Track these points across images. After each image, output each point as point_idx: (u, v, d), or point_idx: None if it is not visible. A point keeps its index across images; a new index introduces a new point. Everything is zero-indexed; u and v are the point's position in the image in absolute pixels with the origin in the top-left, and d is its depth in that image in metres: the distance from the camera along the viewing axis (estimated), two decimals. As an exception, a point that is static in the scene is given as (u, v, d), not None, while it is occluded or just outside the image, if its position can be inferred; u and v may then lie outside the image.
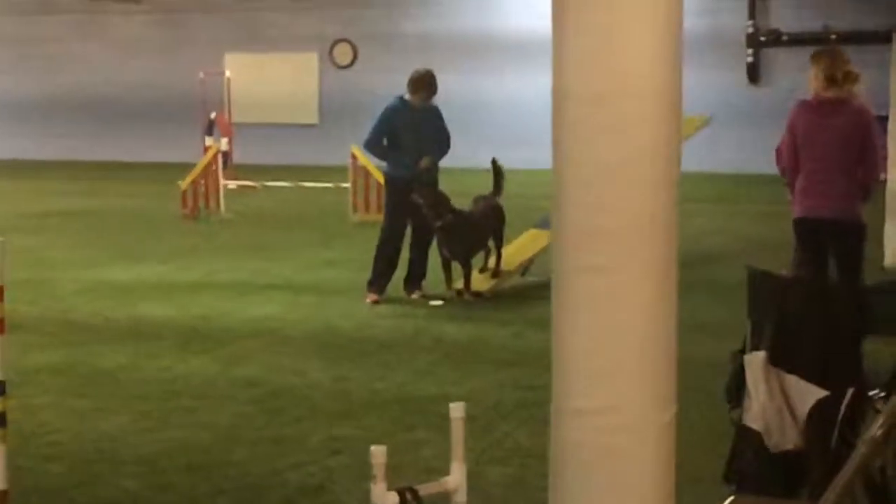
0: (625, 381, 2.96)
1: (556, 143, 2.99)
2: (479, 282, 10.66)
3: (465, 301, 10.27)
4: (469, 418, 6.73)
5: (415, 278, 10.56)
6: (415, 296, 10.45)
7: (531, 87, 23.85)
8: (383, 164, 10.97)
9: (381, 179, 16.31)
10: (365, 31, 26.86)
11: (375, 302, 10.24)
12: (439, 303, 10.28)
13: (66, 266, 12.45)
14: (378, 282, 10.38)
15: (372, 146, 10.50)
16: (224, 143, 21.04)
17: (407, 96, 10.33)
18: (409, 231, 10.48)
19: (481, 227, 10.54)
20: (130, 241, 14.53)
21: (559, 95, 2.98)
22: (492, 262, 10.85)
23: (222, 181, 17.74)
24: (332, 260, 12.78)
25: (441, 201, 10.17)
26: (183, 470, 5.94)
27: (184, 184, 17.25)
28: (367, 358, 8.36)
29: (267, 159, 25.25)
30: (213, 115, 22.42)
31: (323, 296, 10.68)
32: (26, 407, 7.01)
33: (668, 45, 2.90)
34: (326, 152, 24.90)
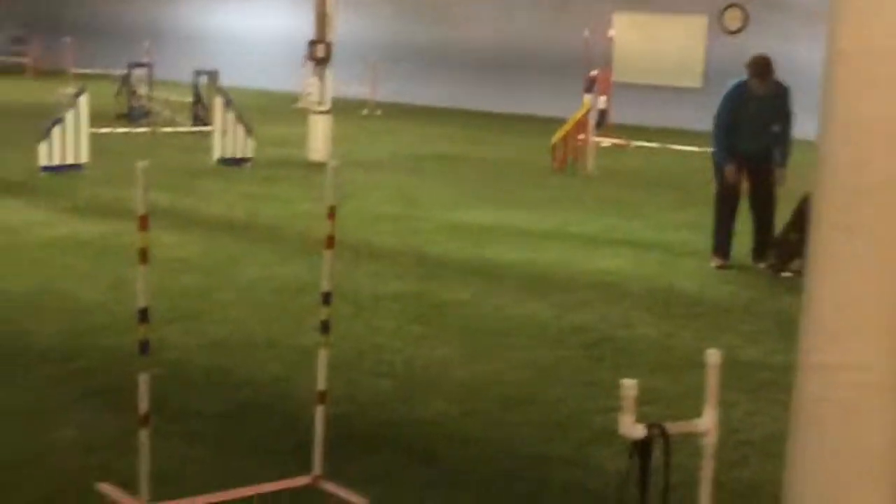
0: (876, 338, 2.92)
1: (825, 100, 2.97)
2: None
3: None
4: (789, 387, 6.69)
5: (759, 247, 10.42)
6: (762, 265, 10.30)
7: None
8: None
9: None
10: (757, -5, 26.24)
11: (720, 267, 10.20)
12: (789, 275, 10.08)
13: (431, 206, 13.11)
14: (720, 247, 10.36)
15: (717, 129, 10.38)
16: (602, 102, 21.27)
17: (746, 80, 10.21)
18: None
19: None
20: (496, 188, 15.07)
21: (834, 51, 2.95)
22: None
23: (594, 138, 17.99)
24: (687, 222, 12.73)
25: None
26: (496, 400, 6.24)
27: (555, 137, 17.65)
28: (699, 319, 8.37)
29: (645, 120, 25.27)
30: (594, 73, 22.69)
31: (670, 256, 10.72)
32: (369, 328, 7.56)
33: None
34: (707, 117, 24.65)
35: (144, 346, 4.48)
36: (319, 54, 17.11)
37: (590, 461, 5.40)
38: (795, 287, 9.58)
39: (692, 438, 3.72)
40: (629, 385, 3.28)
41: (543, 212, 13.21)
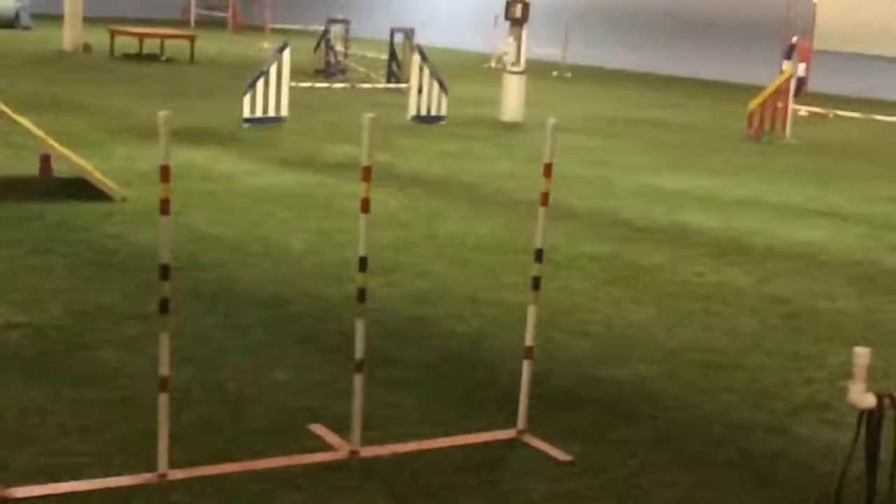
0: None
1: None
2: None
3: None
4: None
5: None
6: None
7: None
8: None
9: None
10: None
11: None
12: None
13: (625, 169, 13.04)
14: None
15: None
16: (801, 69, 20.74)
17: None
18: None
19: None
20: (690, 153, 14.90)
21: None
22: None
23: (793, 106, 17.57)
24: (890, 196, 12.37)
25: None
26: (698, 365, 6.21)
27: (752, 104, 17.30)
28: (905, 294, 8.14)
29: (847, 90, 24.53)
30: (794, 40, 22.11)
31: (873, 229, 10.43)
32: (566, 287, 7.60)
33: None
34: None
35: (362, 294, 4.62)
36: (516, 14, 17.12)
37: (794, 431, 5.34)
38: None
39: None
40: (862, 353, 3.24)
41: (739, 179, 13.00)
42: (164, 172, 4.30)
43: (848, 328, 7.19)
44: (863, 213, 11.20)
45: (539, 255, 4.93)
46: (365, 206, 4.60)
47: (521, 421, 5.04)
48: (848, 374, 6.12)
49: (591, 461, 4.81)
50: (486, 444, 4.94)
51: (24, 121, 9.54)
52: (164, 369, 4.38)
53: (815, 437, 5.28)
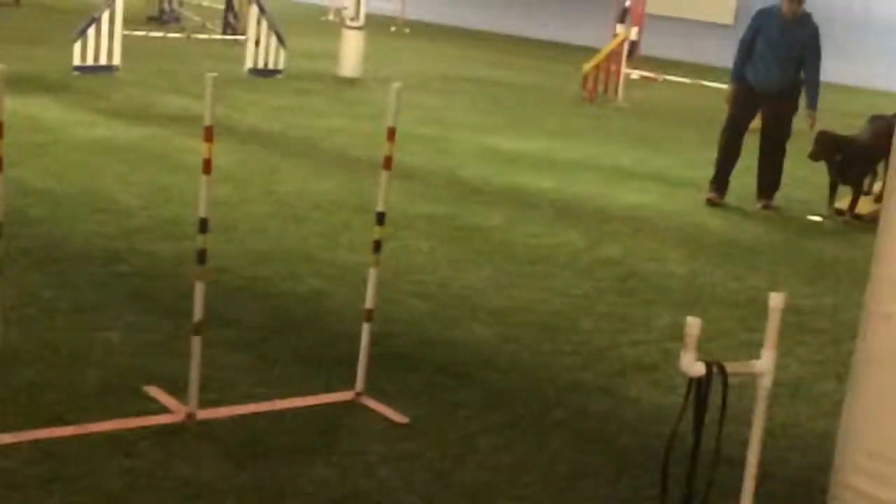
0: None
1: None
2: (862, 205, 10.39)
3: (845, 221, 10.08)
4: (815, 330, 6.78)
5: (762, 188, 10.43)
6: (758, 205, 10.33)
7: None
8: None
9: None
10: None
11: (710, 201, 10.25)
12: (818, 218, 10.15)
13: (461, 128, 13.15)
14: (715, 179, 10.40)
15: (739, 47, 10.35)
16: (634, 33, 21.14)
17: (778, 4, 10.14)
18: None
19: (873, 150, 10.20)
20: (525, 114, 15.09)
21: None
22: (877, 186, 10.53)
23: (625, 69, 17.94)
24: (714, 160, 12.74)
25: (831, 144, 10.09)
26: (531, 326, 6.34)
27: (587, 67, 17.59)
28: (729, 259, 8.44)
29: (675, 54, 25.13)
30: (627, 3, 22.51)
31: (699, 193, 10.75)
32: (404, 248, 7.65)
33: None
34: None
35: (202, 255, 4.57)
36: (355, -32, 17.00)
37: (623, 392, 5.51)
38: (829, 231, 9.70)
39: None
40: (693, 323, 3.36)
41: (574, 141, 13.24)
42: (208, 132, 4.21)
43: (675, 291, 7.43)
44: (691, 178, 11.52)
45: (381, 218, 4.94)
46: (206, 166, 4.54)
47: (360, 383, 5.08)
48: (675, 336, 6.36)
49: (427, 423, 4.87)
50: (325, 406, 4.96)
51: None
52: (-6, 331, 4.26)
53: (643, 398, 5.46)
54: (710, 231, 9.30)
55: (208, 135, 4.50)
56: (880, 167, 10.41)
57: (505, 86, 18.11)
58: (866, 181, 10.59)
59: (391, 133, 4.89)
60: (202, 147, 4.49)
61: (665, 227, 9.28)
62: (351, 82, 16.43)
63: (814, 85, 10.19)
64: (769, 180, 10.40)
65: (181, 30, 20.59)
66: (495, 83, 18.30)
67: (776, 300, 3.46)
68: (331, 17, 27.19)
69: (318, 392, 5.07)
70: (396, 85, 4.84)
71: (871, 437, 3.26)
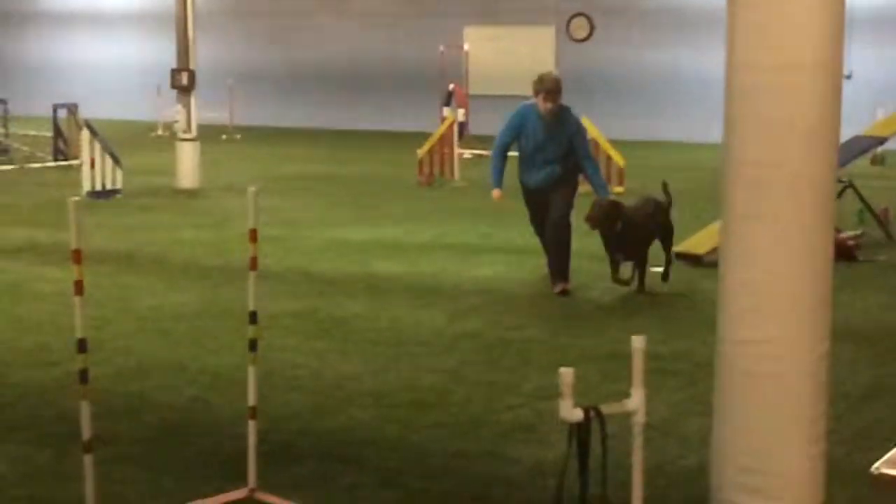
0: (782, 315, 3.33)
1: (728, 105, 3.40)
2: (702, 243, 10.90)
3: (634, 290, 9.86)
4: (675, 372, 7.15)
5: (554, 273, 9.77)
6: (556, 291, 9.60)
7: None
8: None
9: (612, 154, 16.83)
10: (602, 4, 27.09)
11: (562, 293, 9.59)
12: (658, 269, 10.60)
13: (310, 225, 13.36)
14: (551, 274, 9.83)
15: (496, 150, 10.14)
16: (461, 114, 21.76)
17: (534, 101, 9.70)
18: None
19: (648, 227, 9.87)
20: (369, 204, 15.39)
21: (734, 63, 3.38)
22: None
23: (457, 150, 18.44)
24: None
25: (611, 214, 9.49)
26: (408, 405, 6.55)
27: (421, 152, 18.04)
28: (582, 319, 8.82)
29: (501, 130, 25.87)
30: (451, 87, 23.19)
31: (545, 259, 11.14)
32: (271, 346, 7.76)
33: (832, 22, 3.25)
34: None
35: (84, 375, 4.67)
36: (183, 82, 17.18)
37: (505, 454, 5.75)
38: (673, 281, 10.17)
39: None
40: (566, 372, 3.63)
41: (418, 224, 13.57)
42: None
43: (538, 354, 7.73)
44: (533, 246, 11.87)
45: (253, 317, 5.11)
46: (78, 287, 4.67)
47: (252, 479, 5.20)
48: (545, 396, 6.65)
49: (323, 508, 5.03)
50: (220, 505, 5.07)
51: None
52: None
53: (524, 457, 5.71)
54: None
55: (76, 257, 4.63)
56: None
57: (343, 179, 18.41)
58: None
59: (253, 234, 5.07)
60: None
61: (519, 294, 9.64)
62: (191, 193, 16.50)
63: (596, 170, 9.94)
64: (561, 265, 9.72)
65: (9, 161, 20.36)
66: (332, 178, 18.59)
67: (638, 342, 3.76)
68: (160, 131, 27.19)
69: (214, 494, 5.18)
70: (252, 189, 5.04)
71: (741, 454, 3.56)
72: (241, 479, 5.21)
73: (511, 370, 7.32)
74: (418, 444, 5.89)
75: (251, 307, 5.11)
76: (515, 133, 9.89)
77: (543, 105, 9.63)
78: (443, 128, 18.52)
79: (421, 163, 17.95)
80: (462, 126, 21.47)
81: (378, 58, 29.51)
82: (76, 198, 4.68)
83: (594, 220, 9.48)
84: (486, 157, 21.37)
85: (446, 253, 11.64)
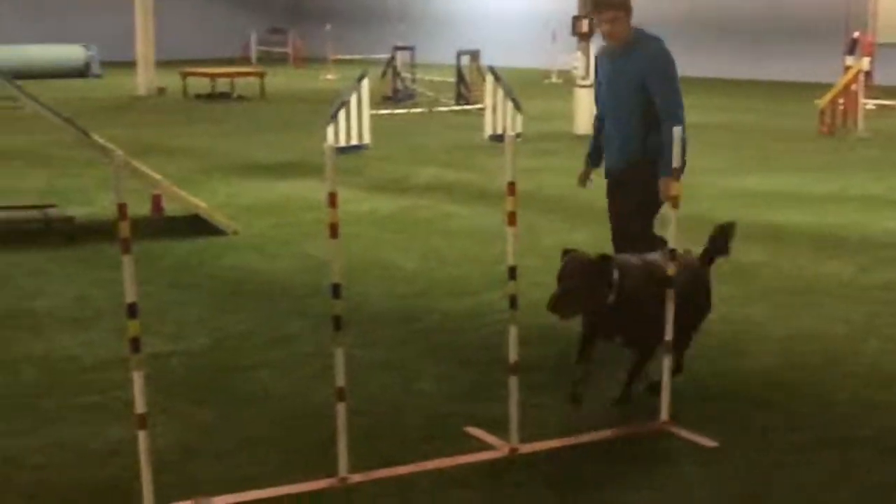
0: None
1: None
2: None
3: None
4: None
5: None
6: None
7: None
8: None
9: None
10: None
11: None
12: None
13: (709, 173, 13.28)
14: None
15: None
16: (866, 63, 20.84)
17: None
18: None
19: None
20: (767, 154, 15.12)
21: None
22: None
23: (862, 100, 17.71)
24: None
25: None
26: (817, 354, 6.46)
27: (822, 102, 17.47)
28: None
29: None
30: (856, 35, 22.21)
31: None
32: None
33: None
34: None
35: (513, 301, 4.96)
36: (583, 29, 17.43)
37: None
38: None
39: None
40: None
41: (820, 175, 13.21)
42: (332, 199, 4.68)
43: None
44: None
45: (673, 253, 5.22)
46: (511, 219, 4.95)
47: (665, 412, 5.35)
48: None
49: (734, 447, 5.10)
50: (634, 436, 5.24)
51: (140, 164, 9.92)
52: (340, 381, 4.74)
53: None
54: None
55: (511, 189, 4.90)
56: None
57: (742, 129, 18.20)
58: None
59: (677, 174, 5.16)
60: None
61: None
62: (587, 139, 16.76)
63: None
64: None
65: (415, 105, 21.42)
66: (732, 127, 18.39)
67: None
68: (553, 78, 27.75)
69: (626, 423, 5.35)
70: (678, 129, 5.13)
71: None
72: (655, 411, 5.37)
73: (926, 325, 7.05)
74: (828, 393, 5.82)
75: (670, 243, 5.22)
76: None
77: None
78: (847, 78, 17.81)
79: (822, 113, 17.38)
80: (867, 75, 20.56)
81: (778, 4, 28.69)
82: (513, 133, 4.92)
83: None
84: (891, 107, 20.44)
85: (850, 204, 11.28)
